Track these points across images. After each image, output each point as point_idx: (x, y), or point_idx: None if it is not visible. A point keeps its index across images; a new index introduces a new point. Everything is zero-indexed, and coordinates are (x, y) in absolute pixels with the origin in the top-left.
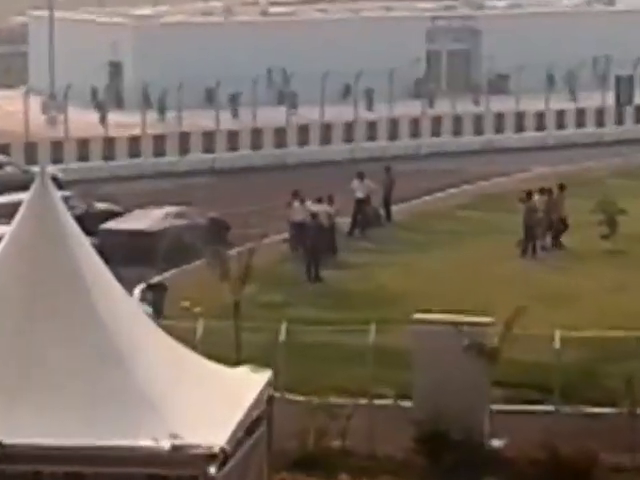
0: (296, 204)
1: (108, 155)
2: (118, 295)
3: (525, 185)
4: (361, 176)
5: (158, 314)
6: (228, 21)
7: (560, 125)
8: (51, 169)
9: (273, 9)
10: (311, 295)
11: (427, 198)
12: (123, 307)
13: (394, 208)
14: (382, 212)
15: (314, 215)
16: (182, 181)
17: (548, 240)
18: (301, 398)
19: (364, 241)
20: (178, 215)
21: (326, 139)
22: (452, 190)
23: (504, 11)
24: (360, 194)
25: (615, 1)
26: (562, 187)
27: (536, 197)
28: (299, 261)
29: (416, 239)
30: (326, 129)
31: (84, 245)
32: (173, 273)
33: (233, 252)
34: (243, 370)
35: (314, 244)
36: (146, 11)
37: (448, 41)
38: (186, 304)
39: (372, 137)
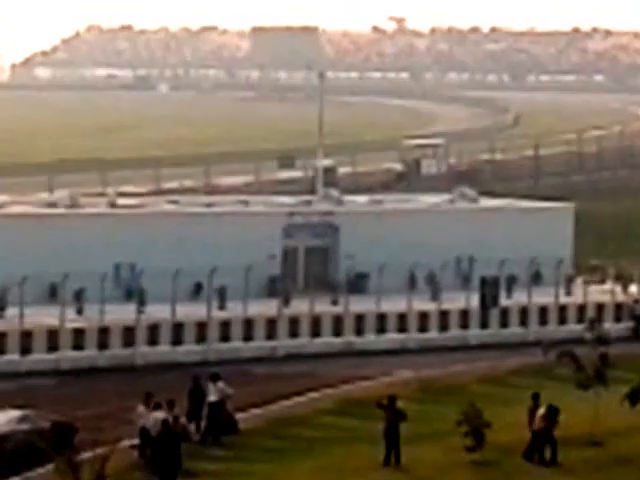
0: (141, 408)
1: None
2: None
3: (387, 390)
4: (215, 378)
5: None
6: (73, 213)
7: (422, 327)
8: None
9: (121, 201)
10: None
11: (284, 403)
12: None
13: (249, 414)
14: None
15: (165, 421)
16: (24, 382)
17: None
18: None
19: (217, 449)
20: (20, 419)
21: (177, 339)
22: (311, 395)
23: (363, 207)
24: (213, 397)
25: (479, 199)
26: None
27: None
28: (149, 469)
29: (273, 446)
30: (177, 329)
31: None
32: None
33: (81, 458)
34: None
35: (165, 453)
36: None
37: (305, 237)
38: None
39: (225, 338)
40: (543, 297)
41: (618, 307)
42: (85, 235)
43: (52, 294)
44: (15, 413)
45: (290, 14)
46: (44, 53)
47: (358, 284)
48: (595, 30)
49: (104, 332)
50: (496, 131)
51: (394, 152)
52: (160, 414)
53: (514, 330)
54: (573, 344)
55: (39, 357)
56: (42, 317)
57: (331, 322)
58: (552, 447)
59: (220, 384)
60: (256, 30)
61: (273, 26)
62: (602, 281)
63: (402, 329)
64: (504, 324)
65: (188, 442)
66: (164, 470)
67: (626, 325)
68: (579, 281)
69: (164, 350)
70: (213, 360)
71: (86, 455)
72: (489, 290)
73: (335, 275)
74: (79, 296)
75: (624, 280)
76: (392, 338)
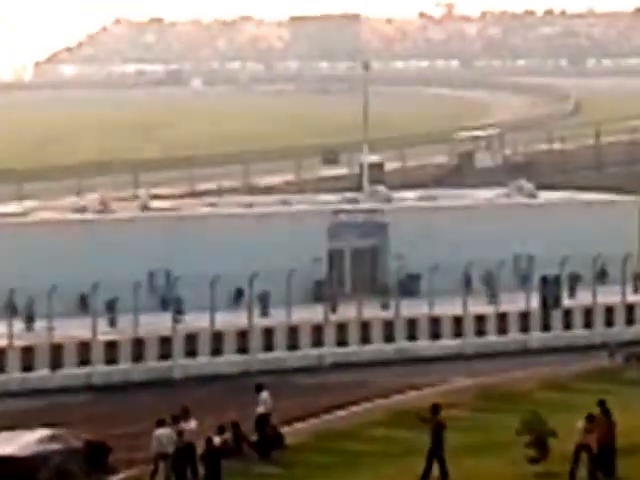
0: (181, 424)
1: None
2: None
3: (442, 399)
4: (259, 389)
5: None
6: (104, 218)
7: (479, 331)
8: None
9: (155, 204)
10: None
11: (332, 415)
12: None
13: (295, 428)
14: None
15: (209, 441)
16: (54, 399)
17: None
18: None
19: (264, 465)
20: (51, 438)
21: (217, 350)
22: (361, 406)
23: (414, 204)
24: (261, 409)
25: (537, 193)
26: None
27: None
28: None
29: (321, 462)
30: (217, 338)
31: None
32: None
33: (116, 479)
34: None
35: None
36: (11, 208)
37: (352, 238)
38: None
39: (269, 347)
40: (609, 296)
41: None
42: (117, 241)
43: (83, 304)
44: (45, 432)
45: (330, 1)
46: (69, 49)
47: (409, 286)
48: None
49: (139, 344)
50: (554, 120)
51: (445, 145)
52: (164, 431)
53: (578, 332)
54: None
55: (70, 372)
56: (72, 329)
57: (381, 328)
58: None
59: (264, 394)
60: (295, 19)
61: (312, 14)
62: None
63: (458, 333)
64: (567, 326)
65: (231, 459)
66: None
67: None
68: None
69: (203, 362)
70: (256, 371)
71: (120, 476)
72: (550, 290)
73: (385, 277)
74: (111, 306)
75: None
76: (447, 343)
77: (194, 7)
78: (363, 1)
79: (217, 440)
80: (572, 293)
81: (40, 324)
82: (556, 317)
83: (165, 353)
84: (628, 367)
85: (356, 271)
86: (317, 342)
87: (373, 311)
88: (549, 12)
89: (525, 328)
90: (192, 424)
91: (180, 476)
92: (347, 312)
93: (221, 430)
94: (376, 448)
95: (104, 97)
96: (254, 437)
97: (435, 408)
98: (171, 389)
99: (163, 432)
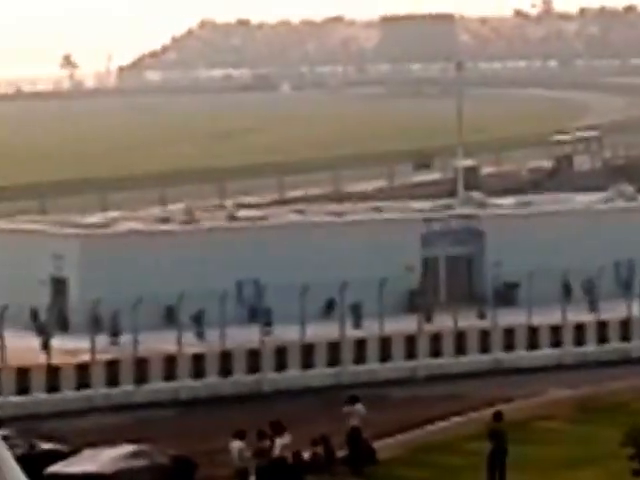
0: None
1: (52, 386)
2: None
3: (540, 411)
4: (354, 400)
5: None
6: (190, 228)
7: (579, 341)
8: None
9: (242, 213)
10: None
11: (427, 429)
12: None
13: (388, 442)
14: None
15: (297, 455)
16: (139, 414)
17: None
18: None
19: None
20: (136, 454)
21: (307, 362)
22: (456, 419)
23: (510, 210)
24: (355, 421)
25: (638, 197)
26: None
27: None
28: None
29: (416, 476)
30: (307, 351)
31: None
32: None
33: None
34: None
35: None
36: (94, 219)
37: (446, 245)
38: None
39: (361, 359)
40: None
41: None
42: (203, 251)
43: (169, 317)
44: (130, 448)
45: (422, 1)
46: (153, 54)
47: (507, 295)
48: None
49: (226, 357)
50: None
51: (543, 148)
52: (236, 444)
53: None
54: None
55: (156, 387)
56: (158, 343)
57: (477, 338)
58: None
59: (358, 407)
60: (386, 20)
61: (404, 14)
62: None
63: (557, 343)
64: None
65: (322, 473)
66: None
67: None
68: None
69: (293, 375)
70: (347, 383)
71: None
72: None
73: (481, 286)
74: (198, 318)
75: None
76: (546, 354)
77: (282, 7)
78: (456, 0)
79: (306, 454)
80: None
81: (125, 338)
82: None
83: (254, 366)
84: None
85: (451, 280)
86: (410, 353)
87: (469, 321)
88: None
89: (626, 337)
90: (286, 438)
91: None
92: (442, 322)
93: (315, 443)
94: (471, 462)
95: (190, 103)
96: (345, 451)
97: (497, 415)
98: (260, 403)
99: (235, 445)
